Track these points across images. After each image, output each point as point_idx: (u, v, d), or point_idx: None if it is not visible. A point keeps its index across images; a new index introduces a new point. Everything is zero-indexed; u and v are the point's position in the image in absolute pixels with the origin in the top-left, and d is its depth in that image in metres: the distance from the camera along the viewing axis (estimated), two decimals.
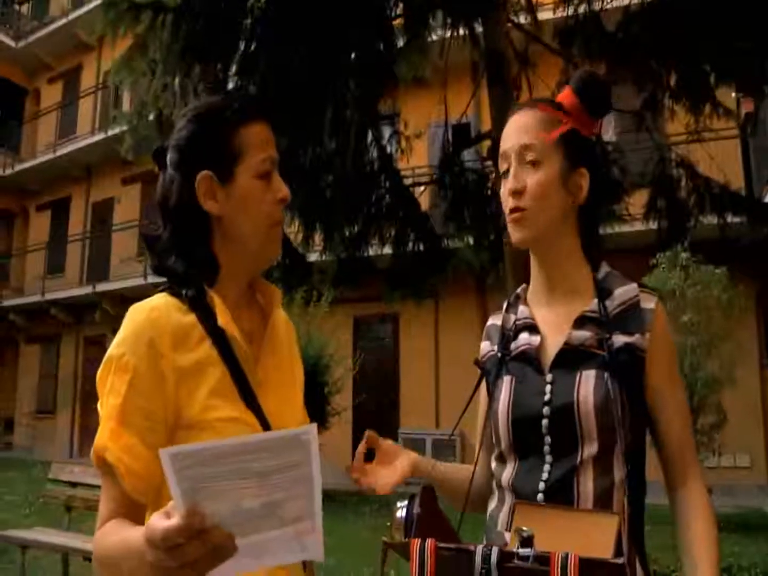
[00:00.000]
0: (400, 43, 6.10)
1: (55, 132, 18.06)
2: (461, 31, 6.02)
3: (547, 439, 1.11)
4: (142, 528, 0.79)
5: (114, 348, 1.01)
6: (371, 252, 6.45)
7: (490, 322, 1.32)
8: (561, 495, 1.07)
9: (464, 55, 6.25)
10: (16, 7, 19.41)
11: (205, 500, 0.74)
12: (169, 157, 1.11)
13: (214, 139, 1.07)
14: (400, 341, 12.22)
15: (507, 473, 1.16)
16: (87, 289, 15.45)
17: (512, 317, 1.25)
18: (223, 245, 1.10)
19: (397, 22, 6.07)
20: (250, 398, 1.05)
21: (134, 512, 0.81)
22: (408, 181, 6.90)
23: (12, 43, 18.34)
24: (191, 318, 1.05)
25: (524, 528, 0.84)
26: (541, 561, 0.79)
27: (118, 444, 0.96)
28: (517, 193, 1.16)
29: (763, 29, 4.28)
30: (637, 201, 5.71)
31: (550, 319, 1.19)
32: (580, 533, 0.87)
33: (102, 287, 15.00)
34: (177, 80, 4.71)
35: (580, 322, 1.15)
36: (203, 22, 4.64)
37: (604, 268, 1.22)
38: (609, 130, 8.64)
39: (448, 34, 6.05)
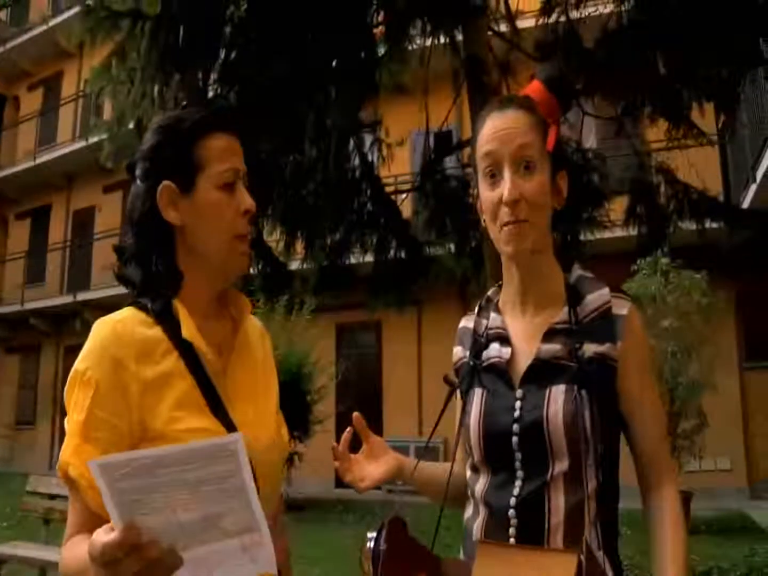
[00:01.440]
0: (382, 51, 6.11)
1: (35, 140, 17.89)
2: (442, 39, 6.05)
3: (518, 455, 1.10)
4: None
5: (79, 362, 1.02)
6: (353, 260, 6.44)
7: (462, 324, 1.30)
8: (532, 510, 1.07)
9: (445, 63, 6.29)
10: None
11: (141, 514, 0.74)
12: (137, 168, 1.12)
13: (175, 149, 1.08)
14: (382, 349, 12.22)
15: (480, 485, 1.15)
16: (68, 299, 15.30)
17: (484, 322, 1.23)
18: (186, 256, 1.10)
19: (379, 30, 6.09)
20: (218, 409, 1.05)
21: (99, 526, 0.82)
22: (391, 189, 6.91)
23: None
24: (157, 331, 1.05)
25: None
26: None
27: (81, 459, 0.96)
28: (515, 202, 1.09)
29: (736, 49, 4.36)
30: (618, 207, 5.77)
31: (522, 330, 1.18)
32: (541, 573, 0.87)
33: (83, 296, 14.85)
34: (156, 88, 4.68)
35: (550, 334, 1.13)
36: (183, 31, 4.62)
37: (577, 271, 1.20)
38: (590, 137, 8.72)
39: (429, 42, 6.08)
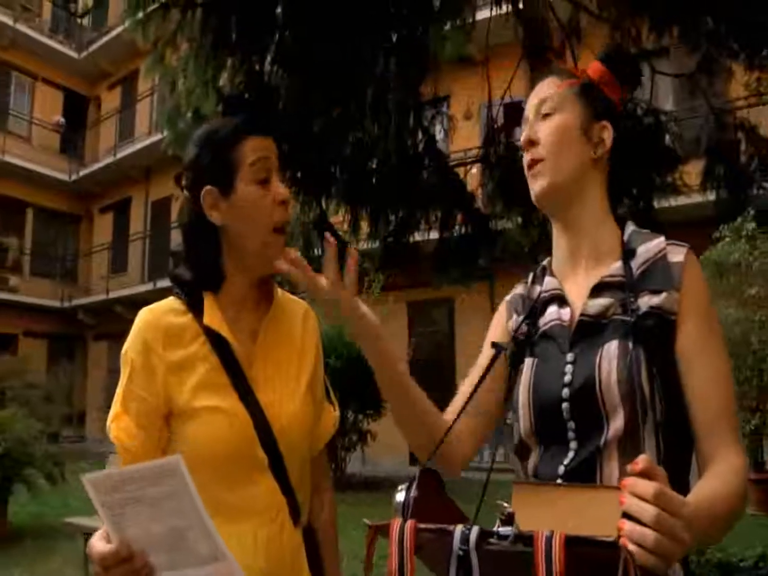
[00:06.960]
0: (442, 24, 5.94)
1: (115, 136, 18.64)
2: (504, 8, 5.84)
3: (570, 424, 1.01)
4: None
5: (125, 345, 1.21)
6: (419, 237, 6.36)
7: (514, 292, 1.23)
8: (581, 480, 0.97)
9: (510, 32, 6.08)
10: (78, 20, 20.08)
11: (125, 526, 0.88)
12: (183, 179, 1.26)
13: (213, 157, 1.20)
14: (455, 325, 12.11)
15: (531, 462, 1.07)
16: (148, 287, 15.91)
17: (537, 288, 1.17)
18: (228, 253, 1.22)
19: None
20: (242, 390, 1.16)
21: None
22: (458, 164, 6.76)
23: (75, 55, 19.07)
24: (187, 318, 1.20)
25: (505, 504, 0.75)
26: (524, 541, 0.69)
27: (118, 424, 1.16)
28: (531, 144, 1.13)
29: None
30: (694, 170, 5.42)
31: (576, 291, 1.10)
32: (586, 510, 0.77)
33: (162, 284, 15.38)
34: (210, 74, 4.70)
35: (599, 289, 1.06)
36: (235, 14, 4.60)
37: (630, 227, 1.12)
38: (668, 99, 8.28)
39: (491, 12, 5.89)
